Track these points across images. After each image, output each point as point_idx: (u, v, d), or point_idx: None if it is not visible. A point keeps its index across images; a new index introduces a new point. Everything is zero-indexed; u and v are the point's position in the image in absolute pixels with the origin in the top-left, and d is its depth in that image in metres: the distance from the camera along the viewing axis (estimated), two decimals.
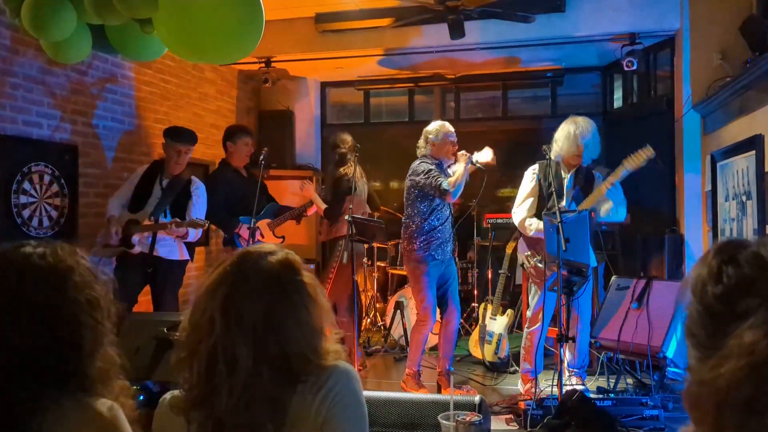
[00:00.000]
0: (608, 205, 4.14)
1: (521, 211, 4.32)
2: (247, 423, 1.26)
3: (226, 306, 1.29)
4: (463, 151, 4.44)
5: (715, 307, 0.71)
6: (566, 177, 4.29)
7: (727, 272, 0.71)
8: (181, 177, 4.64)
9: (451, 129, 4.61)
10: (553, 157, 4.24)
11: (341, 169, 5.15)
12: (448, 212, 4.56)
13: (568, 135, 4.20)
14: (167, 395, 1.42)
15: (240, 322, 1.28)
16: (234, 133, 5.18)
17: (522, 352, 4.39)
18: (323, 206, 5.17)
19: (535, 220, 4.25)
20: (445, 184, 4.35)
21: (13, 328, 1.19)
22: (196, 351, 1.29)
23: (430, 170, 4.43)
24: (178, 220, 4.39)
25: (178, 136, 4.63)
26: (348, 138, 5.36)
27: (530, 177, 4.37)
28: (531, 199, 4.30)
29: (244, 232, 4.92)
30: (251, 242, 4.46)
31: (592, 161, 5.36)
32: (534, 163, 4.41)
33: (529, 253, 4.35)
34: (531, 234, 4.26)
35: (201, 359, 1.28)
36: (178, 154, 4.58)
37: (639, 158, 4.05)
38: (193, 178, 4.75)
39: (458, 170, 4.37)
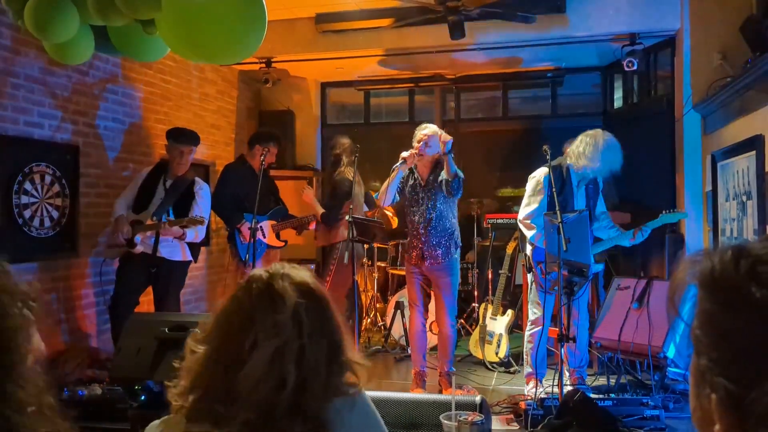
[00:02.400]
0: (626, 239, 4.31)
1: (532, 222, 4.22)
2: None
3: (299, 359, 1.21)
4: (402, 153, 4.26)
5: (765, 311, 0.67)
6: (577, 188, 4.29)
7: (765, 272, 0.68)
8: (185, 178, 4.65)
9: (421, 131, 4.34)
10: (577, 164, 4.17)
11: (336, 173, 5.20)
12: (417, 218, 4.35)
13: (597, 148, 4.13)
14: (157, 426, 1.29)
15: (312, 367, 1.22)
16: (268, 139, 5.27)
17: (526, 356, 4.37)
18: (321, 211, 5.20)
19: (539, 233, 4.17)
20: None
21: None
22: (259, 403, 1.18)
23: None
24: (172, 219, 4.41)
25: (181, 136, 4.65)
26: (345, 141, 5.38)
27: (540, 186, 4.22)
28: (542, 209, 4.16)
29: (245, 228, 4.92)
30: (252, 241, 4.45)
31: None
32: (534, 163, 4.38)
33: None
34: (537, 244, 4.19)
35: (263, 407, 1.18)
36: (181, 155, 4.60)
37: (674, 217, 4.31)
38: (197, 178, 4.76)
39: (390, 176, 4.27)
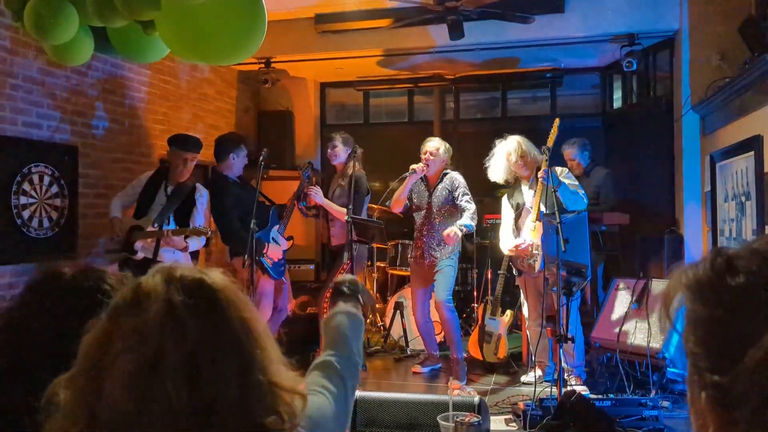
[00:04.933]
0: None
1: (502, 239, 4.78)
2: None
3: (192, 374, 0.87)
4: (420, 165, 4.80)
5: (741, 296, 0.70)
6: (525, 188, 4.59)
7: (738, 263, 0.71)
8: (186, 184, 4.59)
9: (427, 144, 4.89)
10: (501, 181, 4.67)
11: (355, 170, 4.93)
12: (419, 221, 4.96)
13: (504, 160, 4.56)
14: None
15: (219, 385, 0.88)
16: (236, 144, 4.90)
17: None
18: (342, 209, 4.82)
19: (506, 240, 4.68)
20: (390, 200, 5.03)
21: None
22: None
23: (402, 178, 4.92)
24: (174, 228, 4.36)
25: (186, 144, 4.56)
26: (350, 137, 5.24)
27: (504, 204, 4.77)
28: (508, 226, 4.69)
29: (271, 252, 4.77)
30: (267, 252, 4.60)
31: (591, 162, 5.46)
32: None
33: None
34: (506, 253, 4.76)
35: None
36: (184, 162, 4.51)
37: (552, 133, 4.30)
38: (198, 185, 4.69)
39: (403, 183, 4.87)
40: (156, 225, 4.38)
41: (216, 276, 0.97)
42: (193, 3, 2.10)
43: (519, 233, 4.56)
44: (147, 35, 2.49)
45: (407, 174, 4.79)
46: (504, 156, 4.55)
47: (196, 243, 4.48)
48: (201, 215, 4.60)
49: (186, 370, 0.86)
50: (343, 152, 5.03)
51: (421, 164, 4.77)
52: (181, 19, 2.30)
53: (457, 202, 4.82)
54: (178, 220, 4.49)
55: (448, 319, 4.75)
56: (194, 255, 4.72)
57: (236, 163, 4.86)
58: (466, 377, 4.81)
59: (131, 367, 0.85)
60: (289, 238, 5.05)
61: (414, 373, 5.04)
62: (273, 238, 4.80)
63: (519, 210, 4.58)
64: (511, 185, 4.68)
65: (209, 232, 4.37)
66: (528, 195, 4.54)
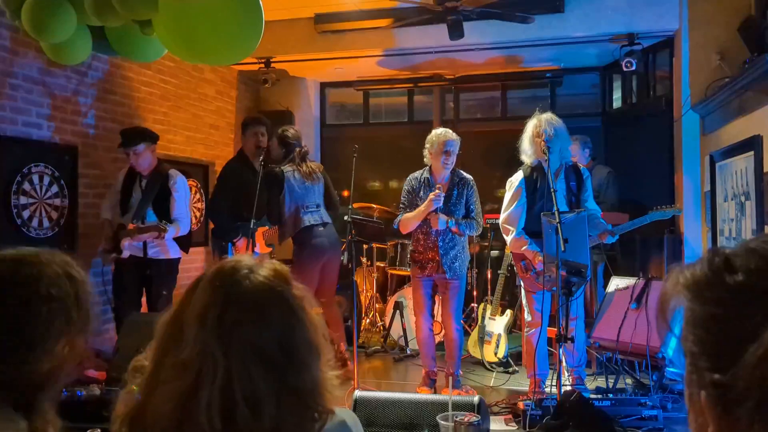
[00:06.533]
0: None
1: (509, 226, 4.22)
2: None
3: (228, 336, 1.01)
4: (437, 190, 4.23)
5: (740, 294, 0.70)
6: (554, 180, 4.15)
7: (736, 262, 0.71)
8: (157, 173, 4.53)
9: (448, 138, 4.31)
10: (528, 162, 4.22)
11: (275, 166, 4.78)
12: (431, 236, 4.35)
13: (529, 134, 4.24)
14: None
15: (254, 353, 1.02)
16: (246, 124, 5.23)
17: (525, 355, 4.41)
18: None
19: (516, 238, 4.17)
20: (396, 220, 4.43)
21: None
22: (195, 396, 0.99)
23: (407, 192, 4.45)
24: (141, 225, 4.33)
25: (122, 142, 4.46)
26: (298, 132, 5.02)
27: (514, 188, 4.25)
28: (519, 213, 4.19)
29: (241, 244, 4.76)
30: (248, 252, 4.43)
31: (592, 159, 5.40)
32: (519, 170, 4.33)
33: (517, 264, 4.35)
34: (511, 249, 4.29)
35: (207, 404, 0.99)
36: (128, 156, 4.49)
37: (666, 210, 4.19)
38: (171, 172, 4.59)
39: (417, 210, 4.29)
40: (135, 221, 4.36)
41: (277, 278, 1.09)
42: (191, 3, 2.11)
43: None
44: (145, 35, 2.49)
45: (421, 196, 4.30)
46: (530, 131, 4.17)
47: (173, 230, 4.41)
48: (182, 202, 4.54)
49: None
50: (276, 151, 4.94)
51: (439, 191, 4.23)
52: (179, 18, 2.30)
53: (470, 210, 4.40)
54: (158, 211, 4.46)
55: (456, 339, 4.44)
56: (185, 245, 4.66)
57: (246, 140, 5.11)
58: (464, 382, 4.81)
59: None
60: (269, 245, 5.05)
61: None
62: (254, 233, 4.74)
63: (538, 195, 4.13)
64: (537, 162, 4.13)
65: (167, 228, 4.28)
66: (558, 193, 4.03)
